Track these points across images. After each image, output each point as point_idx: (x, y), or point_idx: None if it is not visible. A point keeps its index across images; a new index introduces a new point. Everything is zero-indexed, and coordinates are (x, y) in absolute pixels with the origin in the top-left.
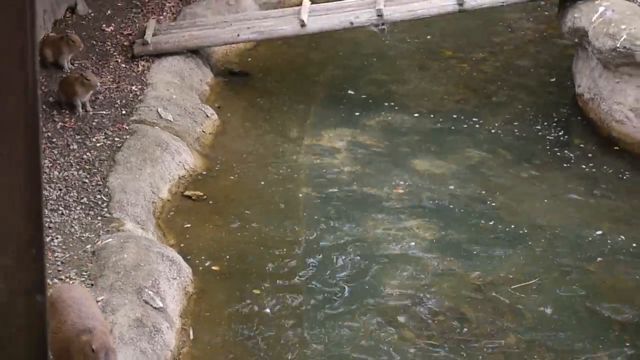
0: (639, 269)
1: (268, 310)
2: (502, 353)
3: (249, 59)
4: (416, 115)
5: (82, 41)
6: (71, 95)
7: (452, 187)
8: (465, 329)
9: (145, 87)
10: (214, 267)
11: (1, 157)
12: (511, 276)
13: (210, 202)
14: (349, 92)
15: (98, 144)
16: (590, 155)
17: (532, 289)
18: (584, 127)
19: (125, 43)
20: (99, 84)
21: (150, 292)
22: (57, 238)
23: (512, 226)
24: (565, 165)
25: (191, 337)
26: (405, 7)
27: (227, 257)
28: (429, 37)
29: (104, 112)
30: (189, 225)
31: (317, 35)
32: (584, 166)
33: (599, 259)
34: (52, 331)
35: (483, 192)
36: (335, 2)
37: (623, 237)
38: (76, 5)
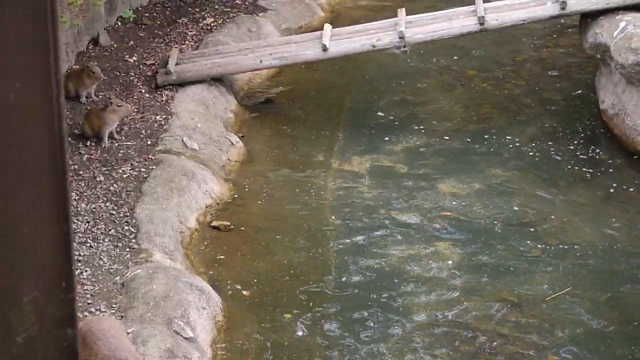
0: None
1: (300, 334)
2: None
3: (273, 85)
4: (443, 136)
5: (102, 72)
6: (99, 127)
7: (480, 208)
8: (500, 346)
9: (169, 117)
10: (244, 293)
11: (30, 191)
12: (543, 293)
13: (239, 229)
14: (377, 114)
15: (124, 175)
16: (616, 171)
17: (567, 301)
18: (610, 142)
19: (149, 73)
20: (130, 108)
21: (180, 322)
22: (86, 271)
23: (544, 246)
24: (592, 182)
25: None
26: (427, 28)
27: (256, 283)
28: (453, 57)
29: (130, 143)
30: (217, 254)
31: (340, 58)
32: (612, 182)
33: (628, 285)
34: None
35: (512, 212)
36: (356, 26)
37: None
38: (98, 37)
